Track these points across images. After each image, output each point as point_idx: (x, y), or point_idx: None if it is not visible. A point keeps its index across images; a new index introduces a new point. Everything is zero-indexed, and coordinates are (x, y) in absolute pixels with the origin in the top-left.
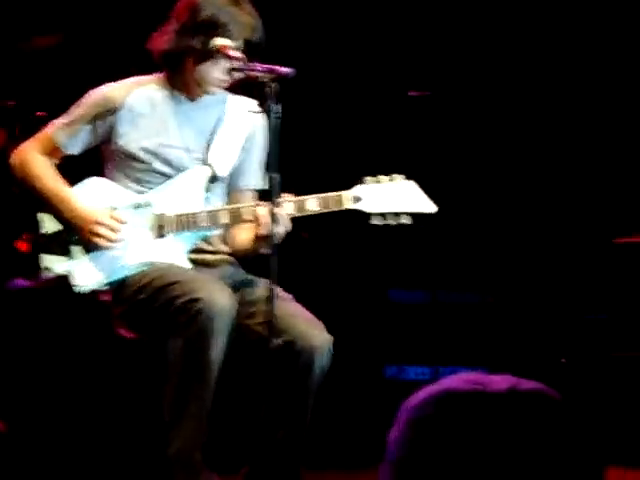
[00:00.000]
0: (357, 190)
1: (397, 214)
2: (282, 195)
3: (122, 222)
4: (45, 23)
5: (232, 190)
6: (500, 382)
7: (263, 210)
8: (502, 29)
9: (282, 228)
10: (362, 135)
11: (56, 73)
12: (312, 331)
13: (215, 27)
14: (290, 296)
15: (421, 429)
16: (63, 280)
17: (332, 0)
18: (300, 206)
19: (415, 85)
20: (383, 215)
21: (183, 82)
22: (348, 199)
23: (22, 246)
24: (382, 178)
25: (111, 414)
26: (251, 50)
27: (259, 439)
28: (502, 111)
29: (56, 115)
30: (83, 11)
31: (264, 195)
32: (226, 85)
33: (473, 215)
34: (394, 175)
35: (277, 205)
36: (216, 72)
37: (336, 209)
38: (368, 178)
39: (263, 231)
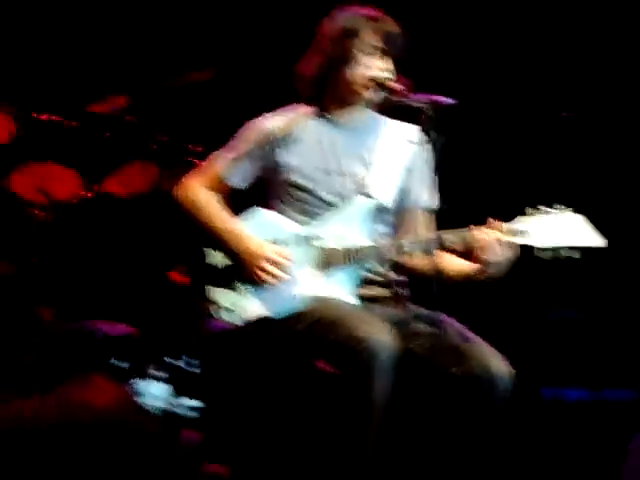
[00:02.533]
0: (522, 223)
1: (566, 248)
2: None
3: (289, 260)
4: (197, 58)
5: (401, 210)
6: None
7: (487, 236)
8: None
9: (511, 254)
10: (521, 163)
11: (208, 107)
12: (493, 361)
13: (349, 31)
14: (460, 325)
15: None
16: (261, 319)
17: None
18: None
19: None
20: (552, 249)
21: (337, 102)
22: (514, 233)
23: (176, 277)
24: (548, 210)
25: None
26: (396, 62)
27: (435, 468)
28: None
29: (210, 149)
30: (233, 46)
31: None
32: (374, 89)
33: None
34: (560, 206)
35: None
36: (362, 70)
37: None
38: (533, 210)
39: (493, 258)
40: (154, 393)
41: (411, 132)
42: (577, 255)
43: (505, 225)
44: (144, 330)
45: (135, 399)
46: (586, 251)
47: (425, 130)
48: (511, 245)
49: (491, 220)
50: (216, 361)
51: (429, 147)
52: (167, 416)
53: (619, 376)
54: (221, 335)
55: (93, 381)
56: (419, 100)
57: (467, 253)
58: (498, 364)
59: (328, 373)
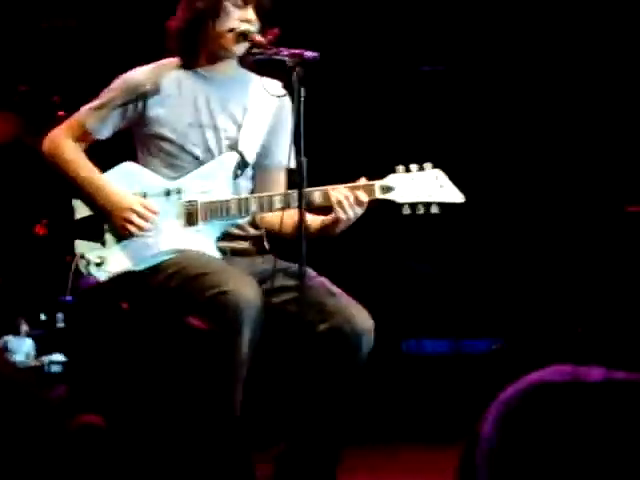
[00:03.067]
0: (389, 180)
1: (427, 204)
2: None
3: (153, 211)
4: (61, 6)
5: (260, 169)
6: (595, 373)
7: (341, 194)
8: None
9: (360, 211)
10: (381, 116)
11: (70, 57)
12: (358, 315)
13: None
14: (324, 279)
15: (515, 423)
16: (129, 274)
17: None
18: (328, 195)
19: (428, 60)
20: (413, 205)
21: (207, 56)
22: (379, 189)
23: (40, 230)
24: (412, 167)
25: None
26: (263, 12)
27: (299, 419)
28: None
29: (71, 100)
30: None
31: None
32: (243, 44)
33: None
34: (424, 164)
35: (306, 191)
36: (230, 23)
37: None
38: (399, 167)
39: (342, 215)
40: (22, 349)
41: (275, 87)
42: (436, 210)
43: (375, 182)
44: (10, 284)
45: (4, 354)
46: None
47: (289, 84)
48: (361, 203)
49: (363, 179)
50: (83, 317)
51: (290, 103)
52: (35, 370)
53: (478, 327)
54: (87, 291)
55: None
56: (282, 53)
57: (322, 209)
58: (362, 319)
59: (194, 327)
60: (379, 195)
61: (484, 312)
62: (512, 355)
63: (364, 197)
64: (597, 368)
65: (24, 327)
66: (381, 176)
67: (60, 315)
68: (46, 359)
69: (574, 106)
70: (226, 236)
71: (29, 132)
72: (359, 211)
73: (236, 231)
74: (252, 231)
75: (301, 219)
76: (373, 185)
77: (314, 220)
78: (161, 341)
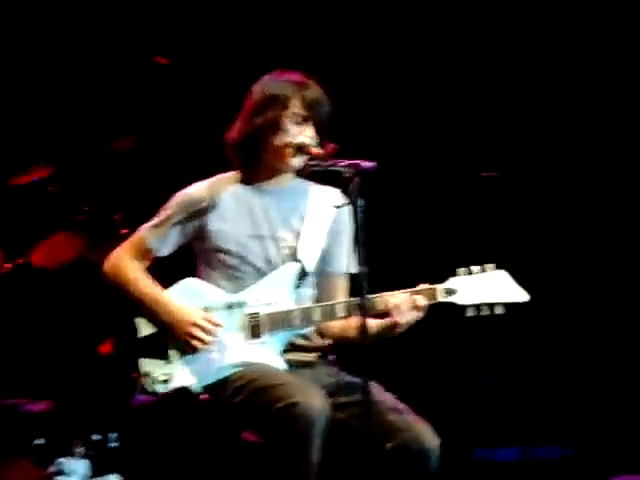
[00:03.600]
0: (450, 282)
1: (491, 305)
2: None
3: (216, 324)
4: (120, 126)
5: (321, 275)
6: None
7: (399, 299)
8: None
9: (418, 315)
10: (445, 222)
11: (131, 176)
12: (424, 434)
13: (276, 100)
14: (389, 395)
15: None
16: (182, 391)
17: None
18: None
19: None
20: (477, 307)
21: (264, 168)
22: (441, 292)
23: (105, 349)
24: (474, 269)
25: None
26: (321, 128)
27: None
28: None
29: (133, 218)
30: (158, 114)
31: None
32: (301, 157)
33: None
34: (486, 265)
35: (367, 301)
36: (289, 138)
37: (428, 303)
38: (460, 270)
39: (400, 320)
40: (76, 471)
41: (333, 196)
42: (501, 310)
43: (433, 286)
44: (66, 406)
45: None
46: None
47: (347, 194)
48: (419, 308)
49: (423, 284)
50: (139, 434)
51: (350, 211)
52: None
53: (548, 433)
54: (143, 408)
55: (15, 464)
56: (340, 165)
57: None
58: (429, 437)
59: (254, 443)
60: (441, 298)
61: (554, 418)
62: (582, 462)
63: (422, 301)
64: None
65: (79, 448)
66: (443, 280)
67: (113, 435)
68: None
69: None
70: (291, 347)
71: (93, 250)
72: (417, 316)
73: (301, 341)
74: (318, 341)
75: (364, 330)
76: (435, 289)
77: (372, 324)
78: (218, 457)
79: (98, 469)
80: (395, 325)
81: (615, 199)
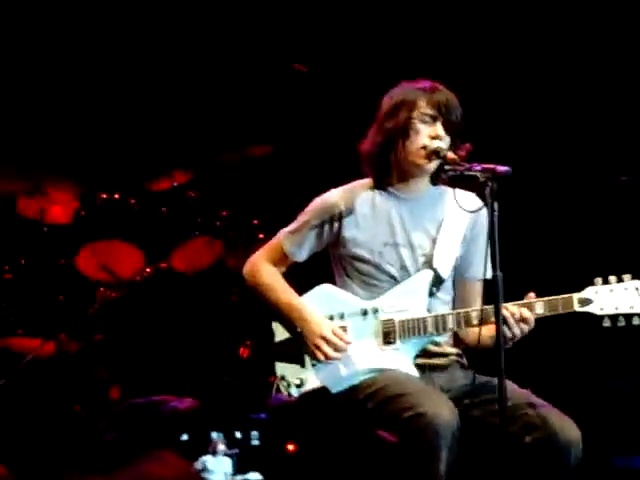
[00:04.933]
0: (586, 292)
1: (628, 315)
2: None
3: (346, 341)
4: (257, 134)
5: (458, 279)
6: None
7: (512, 310)
8: None
9: (527, 328)
10: (581, 228)
11: (267, 182)
12: (566, 425)
13: (404, 103)
14: (527, 390)
15: None
16: (318, 391)
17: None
18: (528, 309)
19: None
20: (614, 317)
21: (398, 174)
22: (577, 301)
23: (244, 352)
24: (611, 279)
25: None
26: (453, 129)
27: None
28: None
29: (270, 223)
30: (293, 122)
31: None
32: (431, 159)
33: None
34: (623, 276)
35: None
36: (421, 141)
37: (564, 312)
38: (597, 279)
39: (507, 333)
40: (219, 468)
41: (469, 201)
42: (638, 322)
43: (570, 295)
44: (210, 404)
45: (201, 475)
46: None
47: (482, 198)
48: (526, 320)
49: (530, 295)
50: (277, 434)
51: (485, 216)
52: None
53: None
54: (282, 408)
55: (162, 458)
56: (475, 169)
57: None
58: (570, 429)
59: (389, 442)
60: (577, 308)
61: None
62: None
63: (527, 314)
64: None
65: (221, 446)
66: (580, 289)
67: (255, 433)
68: (241, 478)
69: None
70: (423, 354)
71: (231, 255)
72: (525, 328)
73: (433, 348)
74: (449, 349)
75: (499, 335)
76: (571, 297)
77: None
78: (354, 457)
79: (240, 467)
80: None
81: None
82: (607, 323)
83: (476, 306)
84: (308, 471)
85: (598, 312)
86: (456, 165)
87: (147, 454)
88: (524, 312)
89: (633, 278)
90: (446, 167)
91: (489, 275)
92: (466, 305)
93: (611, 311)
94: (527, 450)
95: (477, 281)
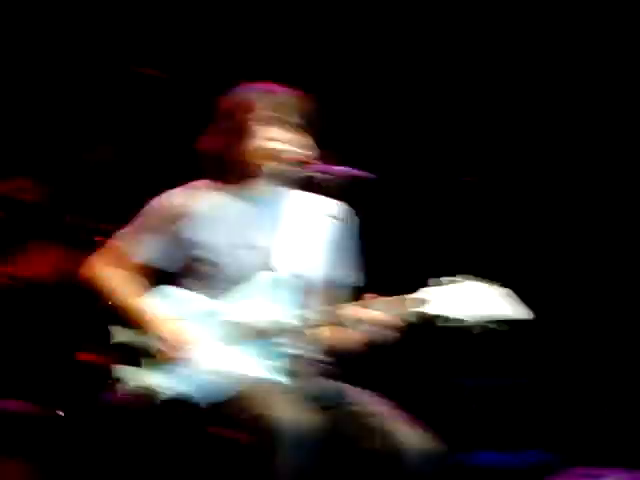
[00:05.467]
0: (422, 293)
1: (459, 319)
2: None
3: (193, 337)
4: (97, 135)
5: (329, 286)
6: (607, 473)
7: (344, 312)
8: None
9: (377, 330)
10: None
11: (108, 185)
12: (405, 434)
13: (242, 105)
14: (375, 396)
15: None
16: (150, 391)
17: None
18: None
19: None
20: (447, 319)
21: (239, 176)
22: (415, 303)
23: (84, 357)
24: (444, 280)
25: None
26: (296, 132)
27: None
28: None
29: (111, 227)
30: (136, 121)
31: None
32: (272, 156)
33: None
34: (463, 276)
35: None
36: (257, 142)
37: (404, 313)
38: (433, 280)
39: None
40: None
41: (328, 205)
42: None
43: (407, 295)
44: (43, 407)
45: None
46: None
47: (341, 202)
48: (376, 322)
49: (368, 295)
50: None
51: (353, 221)
52: None
53: (532, 438)
54: (115, 408)
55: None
56: (335, 173)
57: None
58: (410, 437)
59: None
60: (412, 308)
61: (538, 422)
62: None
63: (368, 314)
64: (612, 469)
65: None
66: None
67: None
68: None
69: None
70: (280, 356)
71: (73, 261)
72: (373, 329)
73: (290, 351)
74: (307, 350)
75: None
76: (405, 298)
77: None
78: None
79: None
80: (355, 338)
81: (590, 202)
82: (442, 323)
83: (323, 308)
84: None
85: (432, 312)
86: (305, 168)
87: None
88: (363, 313)
89: (467, 279)
90: (293, 170)
91: (351, 280)
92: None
93: (445, 312)
94: (373, 457)
95: (345, 287)
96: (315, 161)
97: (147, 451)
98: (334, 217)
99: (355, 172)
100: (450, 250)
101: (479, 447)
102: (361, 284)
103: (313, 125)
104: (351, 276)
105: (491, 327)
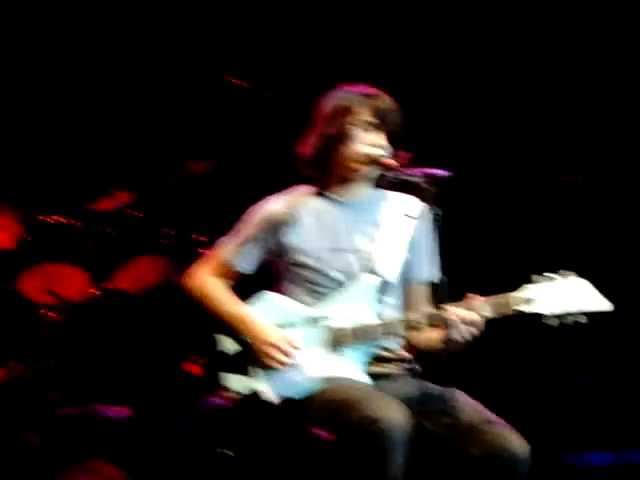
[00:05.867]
0: (528, 291)
1: (574, 314)
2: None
3: (295, 346)
4: (198, 150)
5: (405, 283)
6: None
7: (454, 314)
8: None
9: (475, 331)
10: (519, 229)
11: (211, 197)
12: (512, 440)
13: (345, 109)
14: (476, 402)
15: None
16: (255, 396)
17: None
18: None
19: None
20: (559, 316)
21: (337, 180)
22: (520, 302)
23: (192, 368)
24: (553, 276)
25: None
26: (394, 137)
27: None
28: None
29: (216, 238)
30: (232, 136)
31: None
32: (370, 165)
33: None
34: (564, 272)
35: (446, 310)
36: (360, 148)
37: (510, 313)
38: (538, 277)
39: (454, 335)
40: None
41: (411, 205)
42: (584, 320)
43: (512, 294)
44: (145, 414)
45: None
46: (594, 316)
47: (424, 203)
48: (476, 323)
49: (470, 295)
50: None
51: (429, 220)
52: None
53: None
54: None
55: (94, 467)
56: (415, 174)
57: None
58: (519, 444)
59: (325, 440)
60: (524, 308)
61: None
62: None
63: (475, 316)
64: None
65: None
66: (515, 288)
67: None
68: None
69: None
70: (374, 360)
71: (178, 274)
72: (475, 331)
73: (385, 354)
74: (401, 353)
75: (445, 340)
76: (516, 298)
77: (438, 336)
78: (289, 455)
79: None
80: (449, 340)
81: None
82: (552, 322)
83: (423, 310)
84: (242, 477)
85: (545, 312)
86: (396, 171)
87: (80, 464)
88: (471, 315)
89: (575, 276)
90: (387, 174)
91: (435, 278)
92: (413, 309)
93: (559, 310)
94: (474, 464)
95: (422, 284)
96: (404, 164)
97: (252, 454)
98: (416, 217)
99: (436, 172)
100: (541, 246)
101: (589, 448)
102: (437, 281)
103: (402, 127)
104: (429, 274)
105: (580, 321)
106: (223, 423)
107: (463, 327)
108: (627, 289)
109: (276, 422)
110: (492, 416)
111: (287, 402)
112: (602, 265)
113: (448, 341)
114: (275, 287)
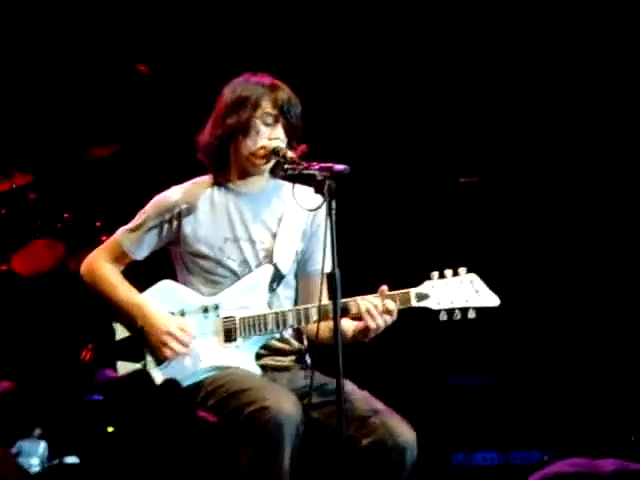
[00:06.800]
0: (423, 287)
1: (464, 309)
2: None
3: (190, 333)
4: (100, 135)
5: (300, 274)
6: (607, 465)
7: (375, 302)
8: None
9: (390, 319)
10: (417, 226)
11: (111, 183)
12: (400, 429)
13: (248, 101)
14: (365, 392)
15: None
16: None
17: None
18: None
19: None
20: (450, 311)
21: (237, 172)
22: (415, 297)
23: (87, 355)
24: (447, 272)
25: None
26: (292, 129)
27: None
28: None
29: (114, 224)
30: (136, 122)
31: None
32: (270, 159)
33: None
34: (459, 269)
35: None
36: (260, 141)
37: (402, 307)
38: (434, 274)
39: (372, 324)
40: (35, 452)
41: (308, 198)
42: (473, 315)
43: (413, 289)
44: (31, 388)
45: (16, 459)
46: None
47: (321, 196)
48: (390, 312)
49: (382, 287)
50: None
51: (325, 212)
52: (47, 473)
53: (529, 438)
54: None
55: None
56: (313, 167)
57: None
58: (405, 432)
59: (209, 422)
60: (415, 303)
61: (534, 423)
62: None
63: (392, 305)
64: (611, 460)
65: (37, 430)
66: (416, 284)
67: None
68: (57, 461)
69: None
70: (267, 351)
71: (73, 258)
72: (389, 319)
73: (278, 344)
74: (295, 344)
75: (337, 332)
76: (408, 293)
77: (348, 326)
78: (173, 435)
79: (56, 450)
80: (367, 329)
81: (587, 202)
82: (444, 317)
83: (318, 301)
84: (126, 453)
85: (435, 307)
86: (294, 164)
87: None
88: (388, 304)
89: (468, 272)
90: (285, 166)
91: (329, 269)
92: (309, 300)
93: (447, 305)
94: (363, 453)
95: (318, 275)
96: (302, 156)
97: (133, 431)
98: (313, 209)
99: (334, 166)
100: (443, 245)
101: (475, 447)
102: (334, 276)
103: (302, 120)
104: (323, 266)
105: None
106: (110, 396)
107: (377, 316)
108: (521, 285)
109: (162, 402)
110: (380, 405)
111: (174, 384)
112: (497, 262)
113: (364, 329)
114: (174, 275)
